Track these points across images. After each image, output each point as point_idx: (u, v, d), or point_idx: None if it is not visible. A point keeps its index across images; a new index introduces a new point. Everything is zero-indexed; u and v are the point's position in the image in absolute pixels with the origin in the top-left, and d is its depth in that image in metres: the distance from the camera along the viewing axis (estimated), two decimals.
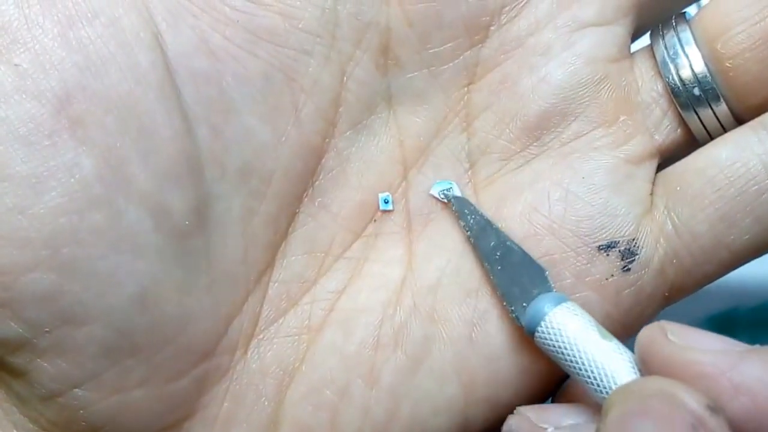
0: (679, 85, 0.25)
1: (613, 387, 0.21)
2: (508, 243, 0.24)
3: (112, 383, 0.23)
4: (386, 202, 0.26)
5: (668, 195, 0.25)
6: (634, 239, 0.24)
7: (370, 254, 0.25)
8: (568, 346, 0.22)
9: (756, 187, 0.24)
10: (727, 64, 0.24)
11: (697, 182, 0.24)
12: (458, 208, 0.25)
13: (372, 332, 0.25)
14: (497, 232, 0.24)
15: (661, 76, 0.25)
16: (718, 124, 0.25)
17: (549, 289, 0.24)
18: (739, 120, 0.25)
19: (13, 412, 0.23)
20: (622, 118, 0.25)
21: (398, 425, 0.24)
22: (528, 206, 0.25)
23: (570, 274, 0.24)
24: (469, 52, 0.25)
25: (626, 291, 0.24)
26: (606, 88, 0.25)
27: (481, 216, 0.25)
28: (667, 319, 0.22)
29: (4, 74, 0.21)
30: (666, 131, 0.25)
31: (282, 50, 0.24)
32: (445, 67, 0.25)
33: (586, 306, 0.24)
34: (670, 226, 0.24)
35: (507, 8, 0.25)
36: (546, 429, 0.22)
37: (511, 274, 0.24)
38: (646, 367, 0.21)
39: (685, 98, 0.25)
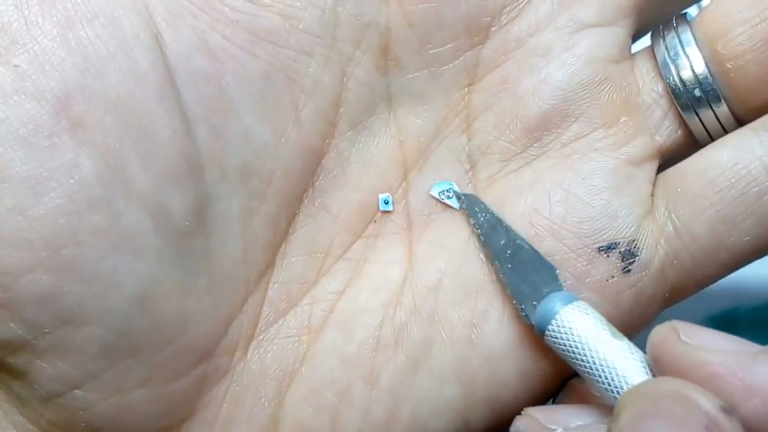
0: (679, 86, 0.25)
1: (624, 387, 0.21)
2: (518, 241, 0.24)
3: (112, 384, 0.23)
4: (386, 202, 0.26)
5: (669, 196, 0.25)
6: (634, 240, 0.24)
7: (370, 255, 0.25)
8: (578, 345, 0.22)
9: (757, 188, 0.24)
10: (728, 65, 0.24)
11: (697, 183, 0.24)
12: (468, 206, 0.25)
13: (372, 333, 0.25)
14: (507, 230, 0.24)
15: (661, 77, 0.25)
16: (719, 126, 0.25)
17: (559, 288, 0.24)
18: (740, 121, 0.25)
19: (13, 412, 0.23)
20: (622, 119, 0.25)
21: (398, 426, 0.24)
22: (529, 207, 0.25)
23: (570, 276, 0.24)
24: (469, 52, 0.25)
25: (627, 292, 0.24)
26: (606, 89, 0.25)
27: (492, 214, 0.25)
28: (668, 320, 0.22)
29: (3, 75, 0.21)
30: (667, 132, 0.25)
31: (282, 51, 0.24)
32: (446, 67, 0.25)
33: None
34: (671, 228, 0.24)
35: (507, 9, 0.25)
36: (555, 430, 0.22)
37: (521, 272, 0.24)
38: (658, 368, 0.21)
39: (686, 99, 0.25)
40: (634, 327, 0.25)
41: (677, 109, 0.25)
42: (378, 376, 0.24)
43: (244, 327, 0.24)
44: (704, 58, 0.25)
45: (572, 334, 0.23)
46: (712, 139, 0.25)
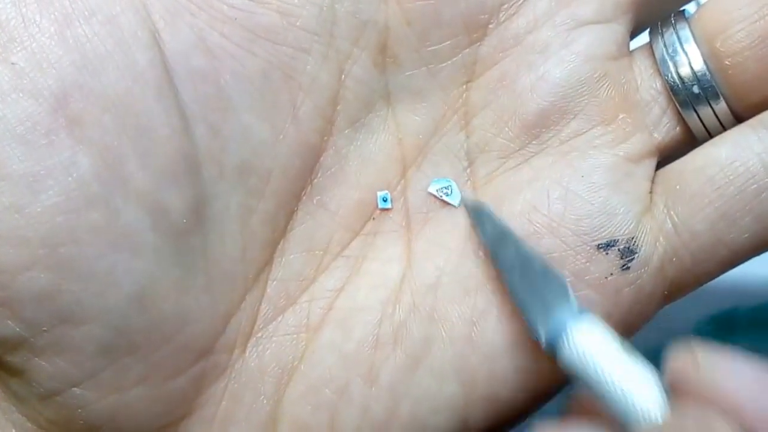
0: (678, 83, 0.25)
1: (638, 409, 0.21)
2: (528, 253, 0.23)
3: (111, 382, 0.23)
4: (385, 200, 0.26)
5: (668, 193, 0.25)
6: (633, 238, 0.24)
7: (369, 252, 0.25)
8: (590, 365, 0.22)
9: (755, 185, 0.24)
10: (727, 62, 0.24)
11: (696, 181, 0.24)
12: (475, 216, 0.25)
13: (371, 331, 0.25)
14: (516, 241, 0.24)
15: (660, 74, 0.25)
16: (718, 123, 0.25)
17: (570, 302, 0.23)
18: (739, 118, 0.25)
19: (12, 411, 0.23)
20: (621, 116, 0.25)
21: (398, 424, 0.24)
22: (527, 205, 0.25)
23: (569, 273, 0.24)
24: (467, 49, 0.25)
25: (626, 289, 0.24)
26: (605, 86, 0.25)
27: (500, 224, 0.24)
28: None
29: (0, 73, 0.21)
30: (665, 129, 0.25)
31: (280, 48, 0.24)
32: (444, 65, 0.25)
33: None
34: (670, 225, 0.24)
35: (506, 6, 0.25)
36: None
37: (531, 286, 0.23)
38: (675, 393, 0.20)
39: (685, 96, 0.25)
40: (633, 324, 0.25)
41: (676, 106, 0.25)
42: (377, 374, 0.24)
43: (242, 325, 0.24)
44: (703, 55, 0.25)
45: (583, 354, 0.22)
46: (710, 136, 0.25)
